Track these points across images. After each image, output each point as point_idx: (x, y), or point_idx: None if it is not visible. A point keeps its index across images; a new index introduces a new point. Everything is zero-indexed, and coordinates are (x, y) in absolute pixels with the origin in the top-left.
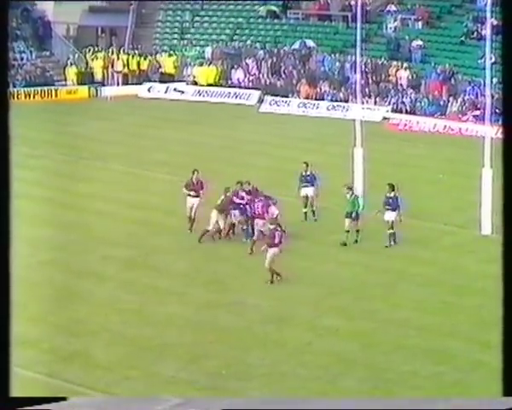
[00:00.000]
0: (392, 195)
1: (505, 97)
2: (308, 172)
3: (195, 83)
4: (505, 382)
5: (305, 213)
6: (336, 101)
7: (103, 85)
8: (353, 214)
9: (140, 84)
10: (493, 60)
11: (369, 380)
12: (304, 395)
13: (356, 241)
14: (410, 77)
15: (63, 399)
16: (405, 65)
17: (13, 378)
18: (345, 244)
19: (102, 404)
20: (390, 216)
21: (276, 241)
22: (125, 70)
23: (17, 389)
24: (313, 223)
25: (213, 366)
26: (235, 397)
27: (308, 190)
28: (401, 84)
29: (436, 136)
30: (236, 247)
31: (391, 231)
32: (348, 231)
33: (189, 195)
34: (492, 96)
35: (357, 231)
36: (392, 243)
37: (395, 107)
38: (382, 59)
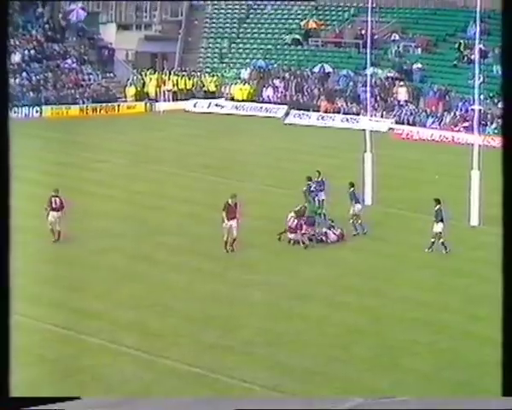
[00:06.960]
0: (437, 208)
1: (505, 102)
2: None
3: (232, 99)
4: (505, 382)
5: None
6: (349, 114)
7: (156, 102)
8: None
9: (187, 100)
10: (481, 80)
11: (375, 347)
12: (322, 360)
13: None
14: (411, 94)
15: (77, 398)
16: (407, 84)
17: (80, 344)
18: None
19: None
20: (438, 227)
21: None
22: (175, 88)
23: (85, 354)
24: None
25: (247, 335)
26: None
27: None
28: (404, 101)
29: (433, 143)
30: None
31: (441, 240)
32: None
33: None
34: (480, 111)
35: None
36: (448, 250)
37: (398, 119)
38: (388, 79)
